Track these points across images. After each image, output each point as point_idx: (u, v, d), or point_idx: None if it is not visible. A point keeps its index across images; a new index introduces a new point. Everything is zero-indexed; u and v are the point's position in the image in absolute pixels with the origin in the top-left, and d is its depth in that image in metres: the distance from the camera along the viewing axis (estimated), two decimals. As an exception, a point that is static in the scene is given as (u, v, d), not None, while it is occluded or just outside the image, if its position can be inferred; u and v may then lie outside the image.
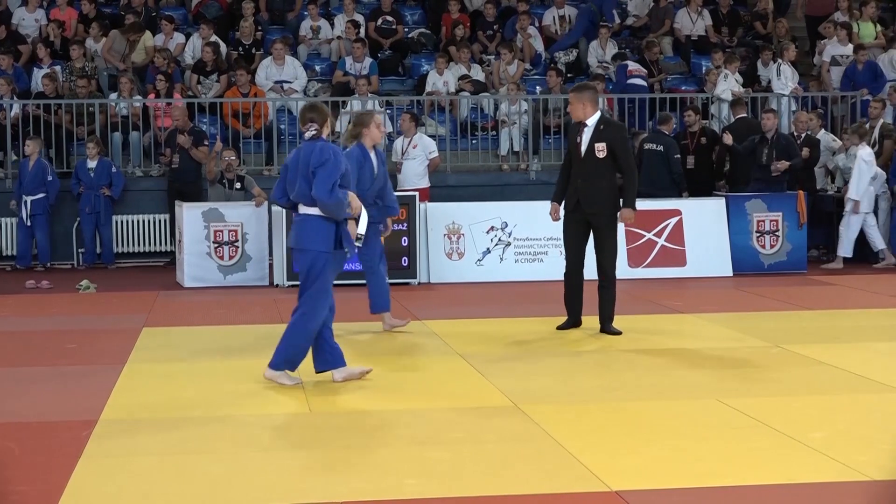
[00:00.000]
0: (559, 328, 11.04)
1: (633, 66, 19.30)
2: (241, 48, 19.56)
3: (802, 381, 8.87)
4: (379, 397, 8.49)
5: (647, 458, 6.76)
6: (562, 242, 11.22)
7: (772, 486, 6.23)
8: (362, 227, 8.91)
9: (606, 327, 10.94)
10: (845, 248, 15.79)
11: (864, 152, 15.78)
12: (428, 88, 18.63)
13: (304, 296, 8.78)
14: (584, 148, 10.82)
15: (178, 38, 19.49)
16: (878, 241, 15.90)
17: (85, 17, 19.86)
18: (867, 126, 16.70)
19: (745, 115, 17.25)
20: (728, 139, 16.41)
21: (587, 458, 6.69)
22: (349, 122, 12.87)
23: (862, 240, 15.93)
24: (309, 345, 8.80)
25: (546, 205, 11.26)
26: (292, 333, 8.77)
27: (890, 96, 17.54)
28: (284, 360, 8.80)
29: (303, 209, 8.79)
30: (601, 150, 10.78)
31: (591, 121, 10.84)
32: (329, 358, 8.88)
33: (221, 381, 9.06)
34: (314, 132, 8.78)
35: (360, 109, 17.68)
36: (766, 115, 16.01)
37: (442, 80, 18.60)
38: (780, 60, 18.86)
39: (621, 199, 10.90)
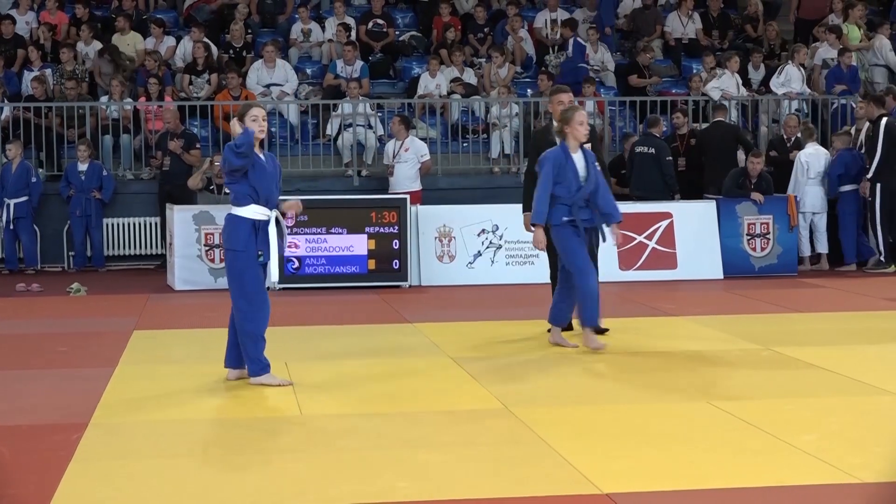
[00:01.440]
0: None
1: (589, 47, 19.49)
2: (231, 51, 19.55)
3: (793, 384, 8.88)
4: (370, 400, 8.48)
5: (639, 461, 6.76)
6: None
7: (763, 488, 6.23)
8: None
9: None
10: (813, 247, 15.90)
11: (804, 151, 15.92)
12: (420, 91, 18.64)
13: (233, 295, 8.85)
14: None
15: (169, 41, 19.48)
16: (818, 245, 15.95)
17: (77, 20, 19.83)
18: (847, 128, 16.81)
19: (723, 119, 17.25)
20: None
21: (578, 461, 6.70)
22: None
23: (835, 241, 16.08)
24: (260, 339, 8.84)
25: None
26: (241, 337, 8.85)
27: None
28: (251, 362, 8.85)
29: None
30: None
31: None
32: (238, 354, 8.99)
33: (213, 385, 9.05)
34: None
35: (350, 112, 17.73)
36: (752, 160, 15.94)
37: (434, 82, 18.60)
38: (789, 62, 18.88)
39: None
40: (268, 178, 8.82)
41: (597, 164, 10.26)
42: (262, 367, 8.86)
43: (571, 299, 10.26)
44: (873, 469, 6.53)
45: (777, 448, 7.03)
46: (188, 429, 7.68)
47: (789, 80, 18.66)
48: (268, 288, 8.97)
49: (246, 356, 8.89)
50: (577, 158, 10.11)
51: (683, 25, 20.96)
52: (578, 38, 19.49)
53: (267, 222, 8.83)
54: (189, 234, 14.73)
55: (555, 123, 10.77)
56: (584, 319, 10.15)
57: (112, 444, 7.28)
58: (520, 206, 11.36)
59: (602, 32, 20.41)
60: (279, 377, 8.89)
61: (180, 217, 14.81)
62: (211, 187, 15.42)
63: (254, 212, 8.79)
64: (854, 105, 17.76)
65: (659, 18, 21.20)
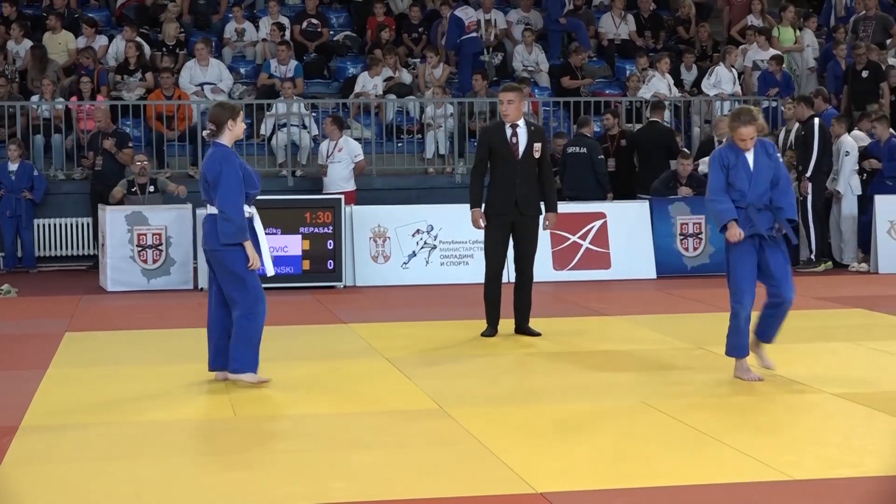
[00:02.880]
0: (485, 335, 10.99)
1: (469, 19, 19.53)
2: (164, 48, 19.42)
3: (725, 382, 8.95)
4: (304, 401, 8.46)
5: (573, 460, 6.80)
6: None
7: (695, 486, 6.28)
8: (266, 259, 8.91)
9: (527, 328, 11.00)
10: None
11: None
12: (357, 89, 18.59)
13: (234, 294, 8.74)
14: (521, 149, 10.80)
15: (101, 40, 19.31)
16: None
17: (6, 19, 19.61)
18: (774, 132, 17.01)
19: (660, 119, 17.37)
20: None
21: (513, 461, 6.71)
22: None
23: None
24: (250, 336, 8.77)
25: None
26: (237, 332, 8.77)
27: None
28: (243, 358, 8.79)
29: (209, 209, 8.81)
30: (537, 150, 10.80)
31: (521, 121, 10.85)
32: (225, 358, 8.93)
33: (146, 386, 8.99)
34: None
35: (284, 112, 17.67)
36: (682, 163, 16.05)
37: (373, 82, 18.57)
38: (720, 63, 19.04)
39: (544, 203, 10.93)
40: (251, 178, 8.79)
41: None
42: (252, 363, 8.81)
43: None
44: (804, 467, 6.61)
45: (709, 446, 7.08)
46: (119, 431, 7.62)
47: (720, 81, 18.84)
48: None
49: (238, 351, 8.77)
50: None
51: (616, 26, 21.10)
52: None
53: (251, 218, 8.80)
54: (121, 235, 14.61)
55: (505, 121, 10.83)
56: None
57: (43, 448, 7.21)
58: (454, 206, 11.38)
59: (549, 29, 20.54)
60: (258, 375, 8.87)
61: (112, 217, 14.69)
62: (133, 189, 15.25)
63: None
64: (782, 108, 17.94)
65: (591, 20, 21.31)
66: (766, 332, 9.09)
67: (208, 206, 8.83)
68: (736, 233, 8.72)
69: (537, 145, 10.79)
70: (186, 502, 6.11)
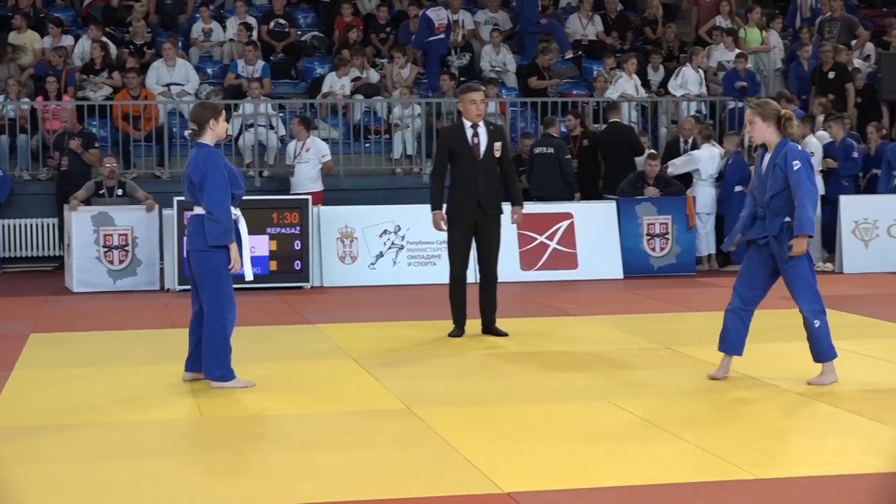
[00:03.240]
0: (452, 336, 11.01)
1: (440, 21, 19.58)
2: (131, 46, 19.35)
3: (691, 382, 8.99)
4: (271, 402, 8.45)
5: (540, 460, 6.81)
6: None
7: (661, 485, 6.31)
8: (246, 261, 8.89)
9: (494, 328, 11.01)
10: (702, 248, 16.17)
11: (697, 152, 16.30)
12: (325, 90, 18.58)
13: (210, 297, 8.72)
14: (483, 149, 10.83)
15: (67, 40, 19.22)
16: (705, 246, 16.20)
17: (-30, 19, 19.54)
18: (737, 131, 17.11)
19: (618, 119, 17.41)
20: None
21: (480, 460, 6.73)
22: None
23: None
24: (225, 342, 8.75)
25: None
26: (208, 339, 8.74)
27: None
28: (220, 367, 8.76)
29: (195, 210, 8.77)
30: (498, 149, 10.83)
31: (481, 121, 10.88)
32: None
33: (112, 387, 8.96)
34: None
35: (252, 112, 17.64)
36: (649, 164, 16.11)
37: (340, 82, 18.55)
38: (687, 64, 19.11)
39: (510, 197, 10.97)
40: (236, 178, 8.78)
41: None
42: (229, 372, 8.78)
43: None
44: (768, 465, 6.65)
45: (675, 445, 7.11)
46: (84, 433, 7.59)
47: (686, 82, 18.91)
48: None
49: (214, 359, 8.74)
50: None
51: (583, 27, 21.14)
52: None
53: (237, 220, 8.80)
54: (87, 236, 14.55)
55: (465, 122, 10.84)
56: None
57: (8, 449, 7.17)
58: (422, 207, 11.39)
59: (525, 31, 20.60)
60: (243, 379, 8.85)
61: (79, 218, 14.63)
62: (101, 192, 15.18)
63: None
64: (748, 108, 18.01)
65: (559, 20, 21.33)
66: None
67: (194, 207, 8.79)
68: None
69: (497, 144, 10.83)
70: (146, 502, 6.09)
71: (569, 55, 20.54)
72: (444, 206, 10.87)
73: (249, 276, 9.02)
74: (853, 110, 18.50)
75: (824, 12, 20.64)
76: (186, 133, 9.07)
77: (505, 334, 10.94)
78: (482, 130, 10.83)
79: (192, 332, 8.95)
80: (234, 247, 8.68)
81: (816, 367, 8.89)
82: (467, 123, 10.84)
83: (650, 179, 15.93)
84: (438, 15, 20.05)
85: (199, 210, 8.73)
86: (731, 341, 8.91)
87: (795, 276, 8.69)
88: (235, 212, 8.78)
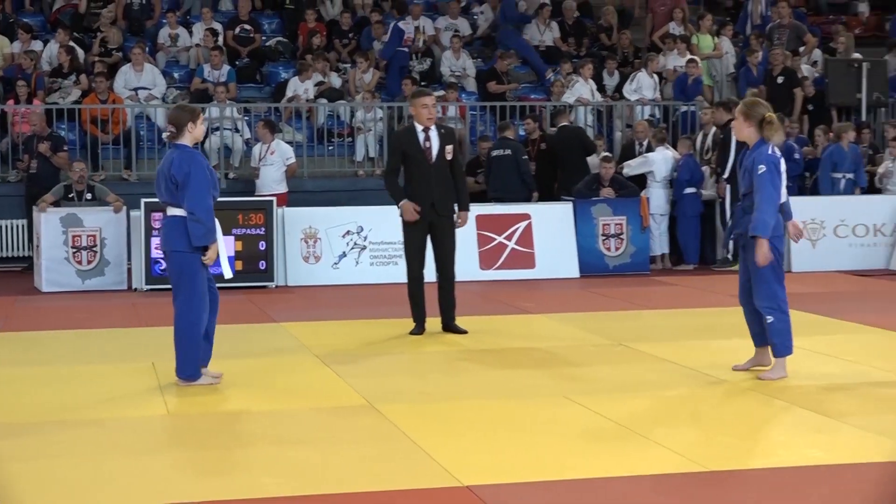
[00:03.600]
0: (413, 334, 11.00)
1: (409, 34, 19.62)
2: (104, 47, 19.25)
3: (645, 378, 9.01)
4: (237, 399, 8.42)
5: (498, 454, 6.81)
6: None
7: (617, 478, 6.33)
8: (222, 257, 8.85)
9: (453, 326, 11.02)
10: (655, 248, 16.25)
11: (652, 154, 16.38)
12: (288, 94, 18.53)
13: (182, 297, 8.67)
14: (435, 152, 10.84)
15: (37, 45, 19.08)
16: (658, 245, 16.27)
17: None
18: (690, 135, 17.19)
19: (567, 123, 17.43)
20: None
21: (440, 455, 6.72)
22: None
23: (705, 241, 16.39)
24: (197, 342, 8.68)
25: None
26: (178, 338, 8.68)
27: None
28: (189, 365, 8.70)
29: (170, 210, 8.70)
30: (449, 152, 10.85)
31: (433, 125, 10.91)
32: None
33: (80, 385, 8.90)
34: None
35: (217, 116, 17.57)
36: (604, 166, 16.13)
37: (303, 87, 18.51)
38: (642, 69, 19.17)
39: (457, 202, 11.00)
40: (214, 181, 8.75)
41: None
42: (197, 371, 8.73)
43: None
44: (720, 458, 6.67)
45: (630, 439, 7.13)
46: (56, 430, 7.53)
47: (641, 87, 18.98)
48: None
49: (184, 358, 8.67)
50: None
51: (541, 33, 21.18)
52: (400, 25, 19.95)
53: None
54: (56, 237, 14.46)
55: (417, 125, 10.84)
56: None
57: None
58: (384, 208, 11.40)
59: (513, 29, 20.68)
60: (209, 376, 8.80)
61: (48, 219, 14.54)
62: (71, 196, 15.06)
63: None
64: (699, 112, 18.11)
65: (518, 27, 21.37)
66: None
67: (168, 207, 8.71)
68: None
69: (449, 147, 10.86)
70: (117, 499, 6.06)
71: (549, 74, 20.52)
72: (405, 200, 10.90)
73: (229, 275, 9.01)
74: (799, 115, 18.59)
75: (774, 20, 20.74)
76: (164, 135, 9.00)
77: (464, 332, 10.94)
78: (434, 134, 10.85)
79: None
80: (214, 247, 8.63)
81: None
82: (419, 127, 10.86)
83: (605, 181, 15.96)
84: (408, 28, 20.06)
85: (176, 211, 8.65)
86: (755, 334, 9.09)
87: (755, 272, 8.81)
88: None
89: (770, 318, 8.79)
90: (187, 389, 8.62)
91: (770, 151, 8.75)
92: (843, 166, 16.64)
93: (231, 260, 14.07)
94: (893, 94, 19.22)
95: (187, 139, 8.69)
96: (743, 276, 9.06)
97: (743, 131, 8.91)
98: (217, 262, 8.74)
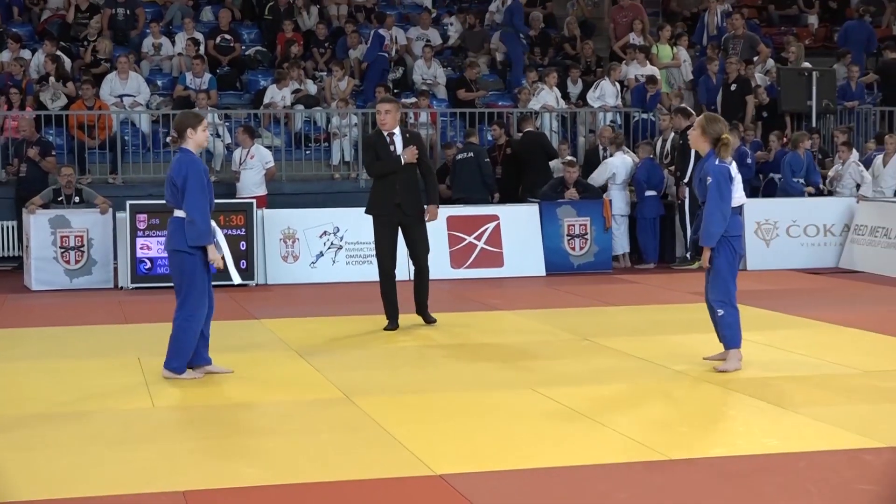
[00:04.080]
0: (387, 329, 11.00)
1: (388, 42, 19.65)
2: (94, 55, 19.14)
3: (609, 371, 9.02)
4: (219, 392, 8.38)
5: (469, 444, 6.80)
6: None
7: (582, 466, 6.33)
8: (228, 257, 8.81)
9: (425, 313, 11.16)
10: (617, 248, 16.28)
11: (611, 159, 16.41)
12: (266, 100, 18.47)
13: (183, 296, 8.61)
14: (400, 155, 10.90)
15: (26, 54, 18.96)
16: (617, 246, 16.29)
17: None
18: (648, 140, 17.21)
19: (532, 129, 17.41)
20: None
21: (413, 445, 6.71)
22: None
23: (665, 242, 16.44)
24: (192, 338, 8.64)
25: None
26: (175, 331, 8.61)
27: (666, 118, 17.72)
28: (178, 358, 8.65)
29: (175, 212, 8.67)
30: (414, 154, 10.91)
31: (397, 129, 10.94)
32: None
33: (66, 379, 8.84)
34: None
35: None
36: (568, 170, 16.12)
37: (280, 94, 18.45)
38: (605, 78, 19.18)
39: (427, 198, 11.07)
40: (210, 188, 8.72)
41: None
42: (183, 366, 8.67)
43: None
44: (680, 446, 6.68)
45: (594, 429, 7.13)
46: (41, 422, 7.48)
47: (603, 94, 18.99)
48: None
49: (175, 351, 8.62)
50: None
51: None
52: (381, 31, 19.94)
53: (215, 229, 8.73)
54: (45, 237, 14.37)
55: (383, 132, 10.88)
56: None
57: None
58: (359, 210, 11.42)
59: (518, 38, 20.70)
60: (191, 372, 8.75)
61: (36, 221, 14.45)
62: (59, 199, 14.96)
63: None
64: (656, 119, 18.15)
65: (486, 37, 21.38)
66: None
67: (175, 210, 8.67)
68: None
69: (413, 149, 10.89)
70: (100, 488, 6.01)
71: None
72: (367, 202, 11.03)
73: (237, 279, 9.02)
74: (753, 121, 18.65)
75: (729, 31, 20.80)
76: (168, 139, 8.97)
77: (434, 321, 11.10)
78: (398, 138, 10.95)
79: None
80: (211, 248, 8.59)
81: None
82: (384, 131, 10.91)
83: (570, 184, 15.97)
84: (388, 35, 20.09)
85: (178, 213, 8.63)
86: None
87: (712, 268, 8.97)
88: (212, 223, 8.70)
89: (721, 312, 8.90)
90: (172, 383, 8.57)
91: (718, 162, 8.81)
92: (799, 172, 16.69)
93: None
94: (842, 101, 19.30)
95: (190, 144, 8.67)
96: (707, 276, 9.11)
97: (698, 143, 9.02)
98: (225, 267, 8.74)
